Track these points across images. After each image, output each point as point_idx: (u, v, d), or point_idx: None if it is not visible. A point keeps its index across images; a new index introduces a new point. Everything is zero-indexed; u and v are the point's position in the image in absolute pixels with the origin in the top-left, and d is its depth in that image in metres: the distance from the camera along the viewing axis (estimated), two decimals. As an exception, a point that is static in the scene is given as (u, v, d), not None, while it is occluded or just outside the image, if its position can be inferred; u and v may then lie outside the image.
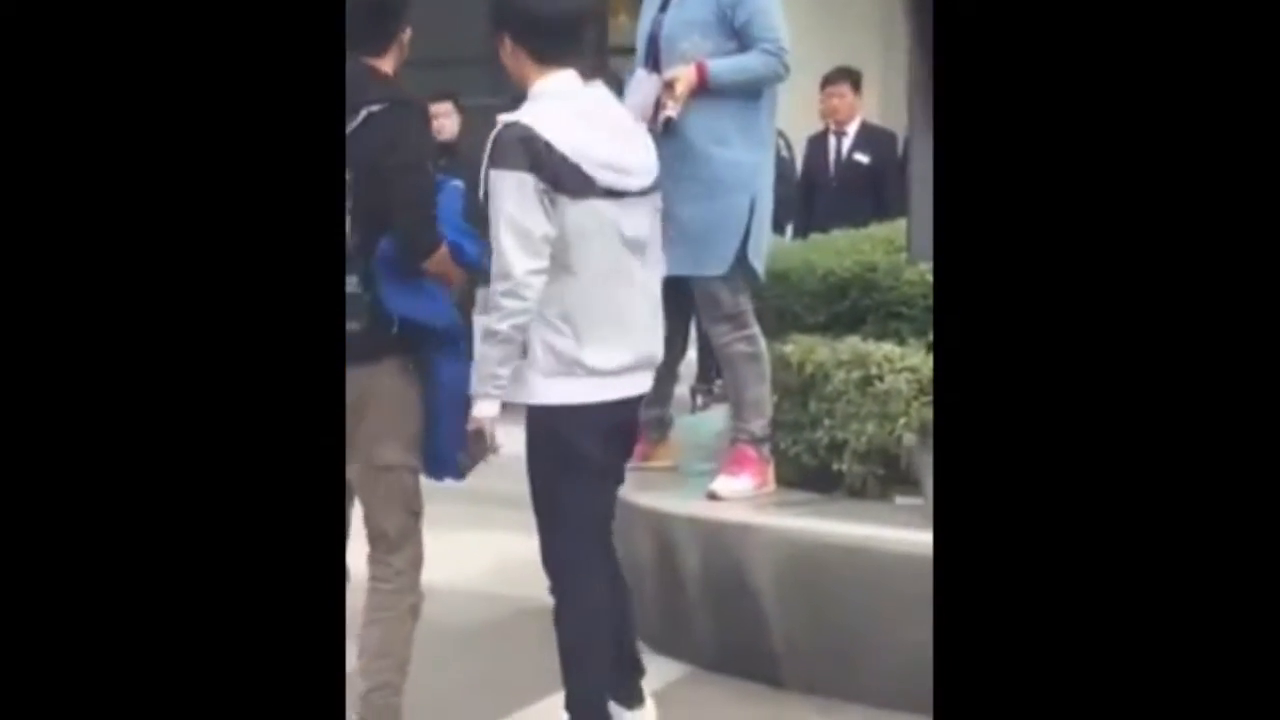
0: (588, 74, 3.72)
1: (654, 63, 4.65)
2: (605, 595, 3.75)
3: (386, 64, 3.80)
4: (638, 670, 3.95)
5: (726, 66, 4.55)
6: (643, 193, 3.69)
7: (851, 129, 8.63)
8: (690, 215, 4.55)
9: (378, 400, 3.68)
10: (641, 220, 3.68)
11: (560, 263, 3.55)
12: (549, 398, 3.60)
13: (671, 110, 4.45)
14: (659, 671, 4.03)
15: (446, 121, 8.97)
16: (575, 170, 3.52)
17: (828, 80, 8.67)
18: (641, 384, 3.74)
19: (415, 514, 3.86)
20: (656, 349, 3.76)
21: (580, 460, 3.64)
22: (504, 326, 3.52)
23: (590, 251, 3.57)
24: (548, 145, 3.49)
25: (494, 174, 3.53)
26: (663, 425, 5.06)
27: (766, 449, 4.76)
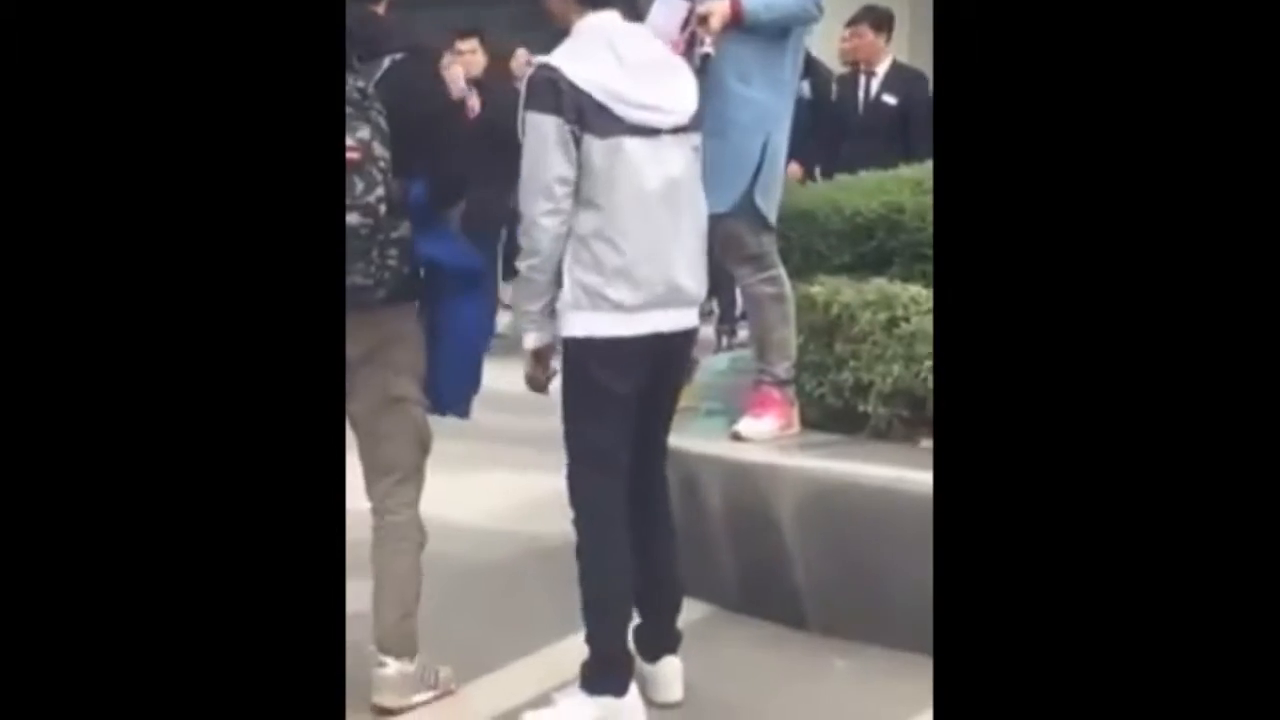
0: (629, 14, 3.75)
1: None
2: (623, 533, 3.75)
3: (382, 7, 3.96)
4: (674, 613, 3.98)
5: (761, 2, 4.50)
6: (677, 130, 3.70)
7: (881, 69, 8.54)
8: (704, 151, 4.50)
9: (401, 339, 3.91)
10: (676, 158, 3.70)
11: (588, 199, 3.60)
12: (574, 330, 3.66)
13: (709, 47, 4.39)
14: (682, 612, 4.03)
15: (473, 58, 8.93)
16: (602, 109, 3.57)
17: (850, 21, 8.59)
18: (677, 320, 3.75)
19: (426, 447, 4.01)
20: (692, 286, 3.76)
21: (605, 394, 3.67)
22: (522, 266, 3.68)
23: (619, 188, 3.60)
24: (573, 85, 3.55)
25: (525, 115, 3.62)
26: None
27: (791, 390, 4.74)
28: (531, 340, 3.75)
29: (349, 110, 3.62)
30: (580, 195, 3.60)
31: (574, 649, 3.88)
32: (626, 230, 3.62)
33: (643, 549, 3.82)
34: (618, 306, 3.62)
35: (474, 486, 5.89)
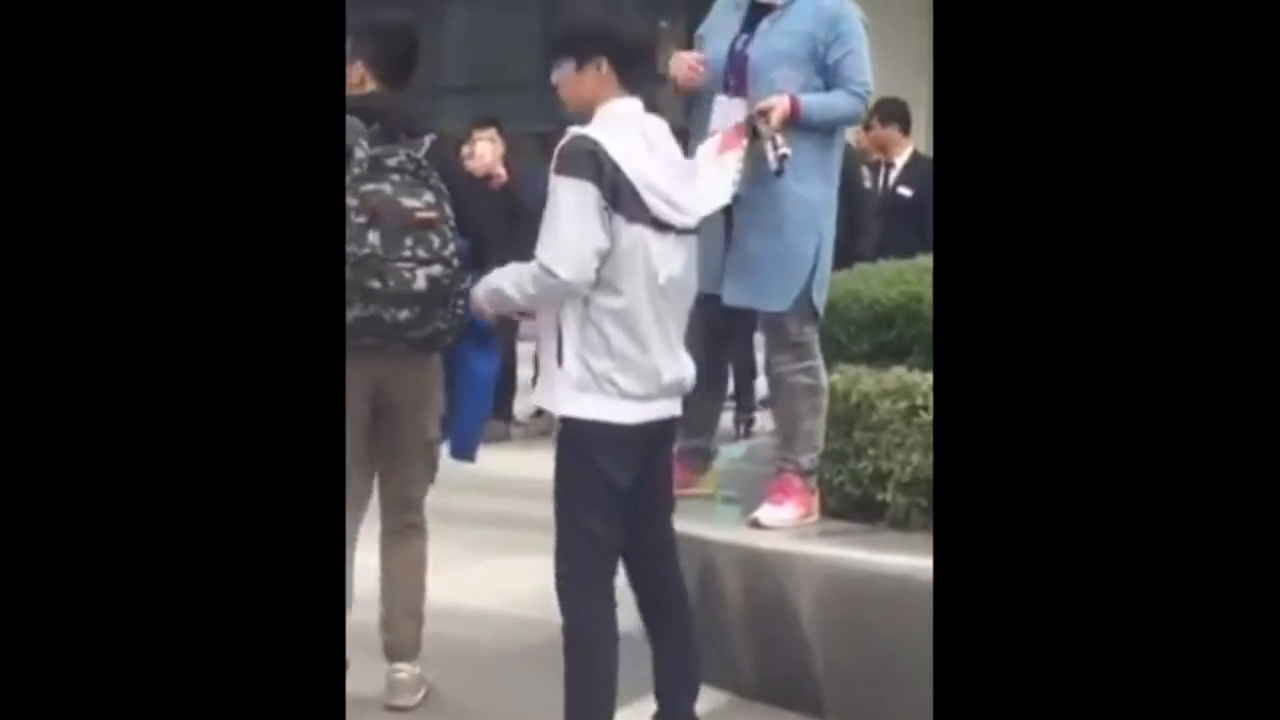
0: (648, 105, 3.79)
1: (737, 88, 4.63)
2: (610, 624, 3.74)
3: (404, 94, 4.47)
4: (690, 701, 3.96)
5: (816, 103, 4.54)
6: (684, 231, 3.72)
7: (900, 161, 8.60)
8: (758, 248, 4.57)
9: (438, 384, 4.36)
10: (680, 257, 3.72)
11: (607, 282, 3.59)
12: (581, 411, 3.63)
13: (785, 148, 4.43)
14: (700, 700, 4.01)
15: (490, 146, 9.00)
16: (634, 194, 3.57)
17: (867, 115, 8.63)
18: (670, 409, 3.77)
19: (432, 482, 4.54)
20: (683, 377, 3.78)
21: (603, 480, 3.66)
22: (520, 294, 3.69)
23: (635, 276, 3.61)
24: (614, 164, 3.55)
25: (558, 180, 3.59)
26: (705, 454, 5.04)
27: (813, 480, 4.74)
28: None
29: (408, 178, 4.14)
30: (603, 275, 3.58)
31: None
32: (638, 318, 3.62)
33: (658, 637, 3.81)
34: (624, 394, 3.62)
35: (503, 573, 5.82)
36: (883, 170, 8.64)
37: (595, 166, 3.53)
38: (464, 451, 4.42)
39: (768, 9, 4.63)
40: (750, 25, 4.65)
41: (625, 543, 3.75)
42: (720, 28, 4.74)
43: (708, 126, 4.63)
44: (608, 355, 3.60)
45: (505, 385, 8.79)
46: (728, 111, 4.57)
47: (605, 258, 3.57)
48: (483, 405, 4.48)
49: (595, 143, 3.56)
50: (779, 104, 4.45)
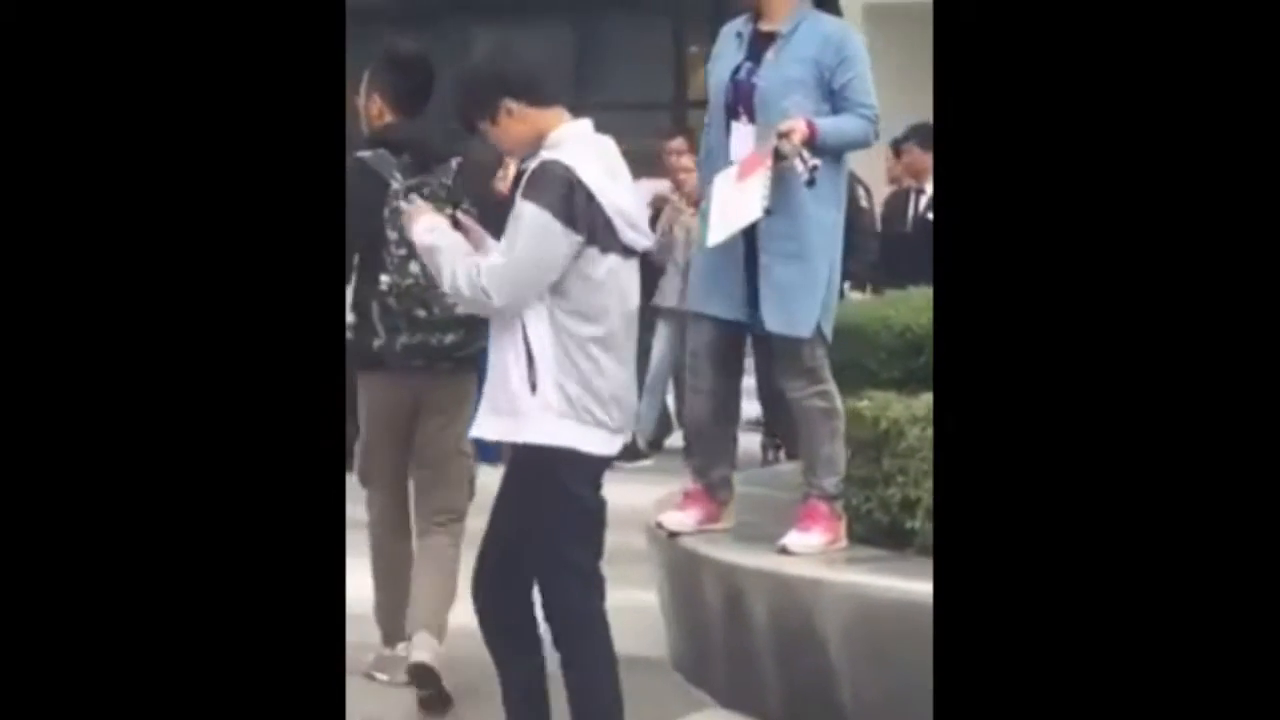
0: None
1: (747, 116, 4.65)
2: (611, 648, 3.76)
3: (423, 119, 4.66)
4: None
5: (830, 127, 4.54)
6: (638, 254, 3.66)
7: (930, 187, 8.58)
8: (786, 274, 4.58)
9: (472, 396, 4.46)
10: (636, 281, 3.68)
11: (585, 310, 3.53)
12: (558, 439, 3.55)
13: (815, 159, 4.44)
14: (725, 726, 4.00)
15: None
16: (608, 224, 3.52)
17: (897, 140, 8.62)
18: (618, 445, 3.72)
19: (473, 493, 4.68)
20: (635, 406, 3.77)
21: (584, 509, 3.65)
22: (449, 280, 3.55)
23: (611, 304, 3.56)
24: (588, 193, 3.47)
25: (523, 204, 3.51)
26: (729, 485, 5.01)
27: (839, 505, 4.73)
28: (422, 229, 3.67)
29: (442, 205, 4.22)
30: (581, 304, 3.52)
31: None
32: (611, 348, 3.58)
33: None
34: (600, 424, 3.58)
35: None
36: (914, 197, 8.63)
37: (568, 197, 3.45)
38: (491, 456, 4.65)
39: (771, 37, 4.65)
40: (754, 54, 4.67)
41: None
42: (724, 57, 4.76)
43: (718, 155, 4.66)
44: (585, 384, 3.54)
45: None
46: (745, 138, 4.60)
47: (584, 288, 3.51)
48: None
49: (569, 169, 3.48)
50: (798, 127, 4.46)
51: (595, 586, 3.71)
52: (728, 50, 4.76)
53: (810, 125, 4.48)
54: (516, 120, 3.60)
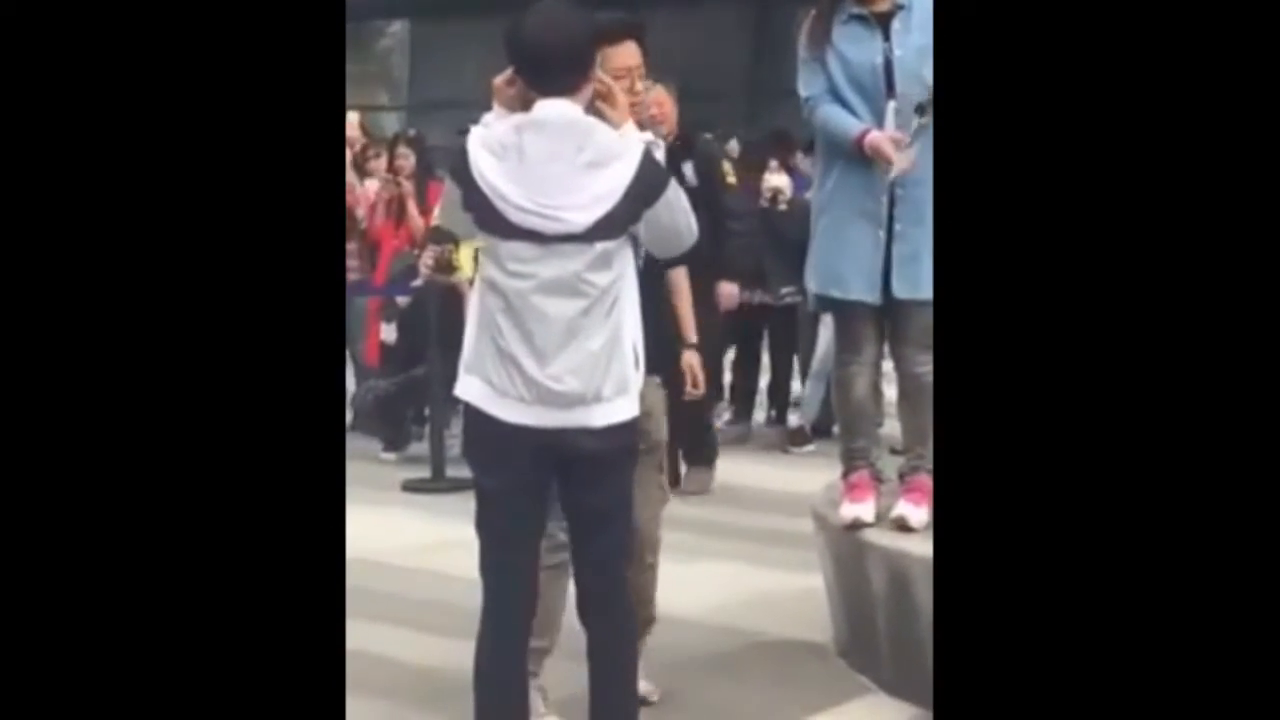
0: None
1: (889, 91, 4.73)
2: (510, 613, 3.69)
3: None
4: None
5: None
6: (573, 237, 3.54)
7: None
8: (913, 238, 4.66)
9: None
10: (570, 262, 3.55)
11: (488, 280, 3.62)
12: (464, 391, 3.67)
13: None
14: (893, 715, 3.99)
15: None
16: (487, 204, 3.56)
17: None
18: (563, 419, 3.60)
19: None
20: (575, 386, 3.57)
21: (487, 470, 3.68)
22: None
23: (505, 283, 3.57)
24: (471, 177, 3.58)
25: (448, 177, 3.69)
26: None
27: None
28: None
29: None
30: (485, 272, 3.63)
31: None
32: (513, 322, 3.57)
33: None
34: (498, 391, 3.60)
35: (699, 579, 5.88)
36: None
37: (463, 173, 3.60)
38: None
39: (887, 14, 4.75)
40: (886, 32, 4.74)
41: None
42: (850, 39, 4.80)
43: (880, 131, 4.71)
44: (485, 345, 3.62)
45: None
46: (890, 115, 4.71)
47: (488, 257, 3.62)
48: None
49: (464, 153, 3.60)
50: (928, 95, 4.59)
51: (501, 547, 3.72)
52: (853, 32, 4.79)
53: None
54: (507, 83, 3.68)
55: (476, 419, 3.65)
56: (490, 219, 3.56)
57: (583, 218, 3.52)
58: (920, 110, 4.61)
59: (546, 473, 3.64)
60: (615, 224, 3.56)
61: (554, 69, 3.58)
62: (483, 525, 3.69)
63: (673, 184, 3.66)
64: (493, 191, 3.53)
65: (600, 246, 3.55)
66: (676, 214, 3.64)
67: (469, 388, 3.64)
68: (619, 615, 3.74)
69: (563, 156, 3.53)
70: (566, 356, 3.55)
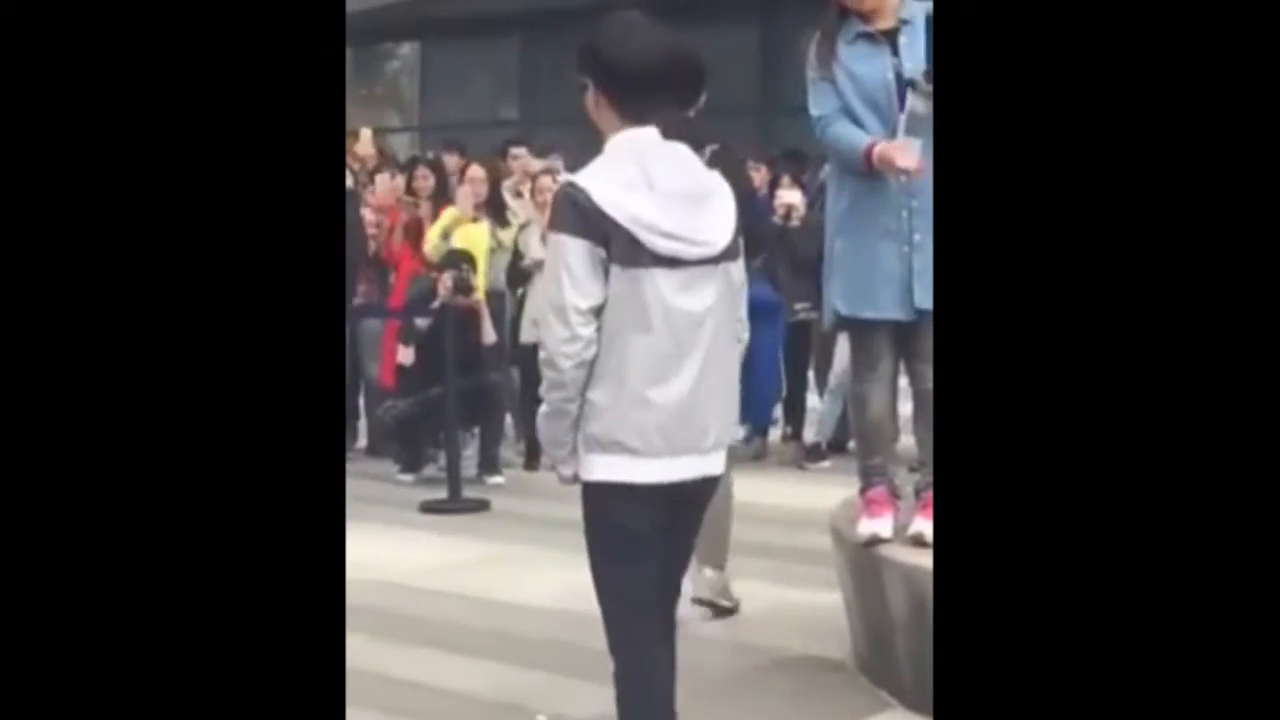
0: (674, 132, 3.44)
1: (901, 104, 4.74)
2: (657, 672, 3.58)
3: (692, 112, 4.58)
4: None
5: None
6: (705, 262, 3.39)
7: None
8: (927, 248, 4.64)
9: None
10: (704, 292, 3.39)
11: (617, 323, 3.33)
12: (589, 474, 3.40)
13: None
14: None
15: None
16: (628, 236, 3.30)
17: None
18: (702, 467, 3.44)
19: None
20: (714, 429, 3.43)
21: (625, 539, 3.41)
22: (552, 399, 3.38)
23: (633, 322, 3.33)
24: (600, 211, 3.28)
25: (550, 237, 3.40)
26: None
27: None
28: (569, 472, 3.43)
29: None
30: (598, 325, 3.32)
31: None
32: (644, 368, 3.33)
33: None
34: (635, 452, 3.34)
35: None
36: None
37: (579, 217, 3.29)
38: (757, 417, 5.04)
39: (896, 29, 4.79)
40: (894, 48, 4.78)
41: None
42: (858, 57, 4.82)
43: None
44: (609, 410, 3.36)
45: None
46: (904, 130, 4.71)
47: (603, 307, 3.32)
48: (771, 374, 4.81)
49: (580, 190, 3.31)
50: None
51: (640, 612, 3.56)
52: (859, 51, 4.82)
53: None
54: (594, 106, 3.47)
55: (606, 493, 3.38)
56: (625, 249, 3.28)
57: (720, 238, 3.40)
58: (914, 85, 4.62)
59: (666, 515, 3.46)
60: (737, 244, 3.47)
61: (672, 91, 3.43)
62: (625, 588, 3.46)
63: None
64: (634, 223, 3.29)
65: (731, 271, 3.45)
66: None
67: (599, 467, 3.36)
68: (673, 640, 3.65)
69: (683, 180, 3.39)
70: (703, 400, 3.39)
